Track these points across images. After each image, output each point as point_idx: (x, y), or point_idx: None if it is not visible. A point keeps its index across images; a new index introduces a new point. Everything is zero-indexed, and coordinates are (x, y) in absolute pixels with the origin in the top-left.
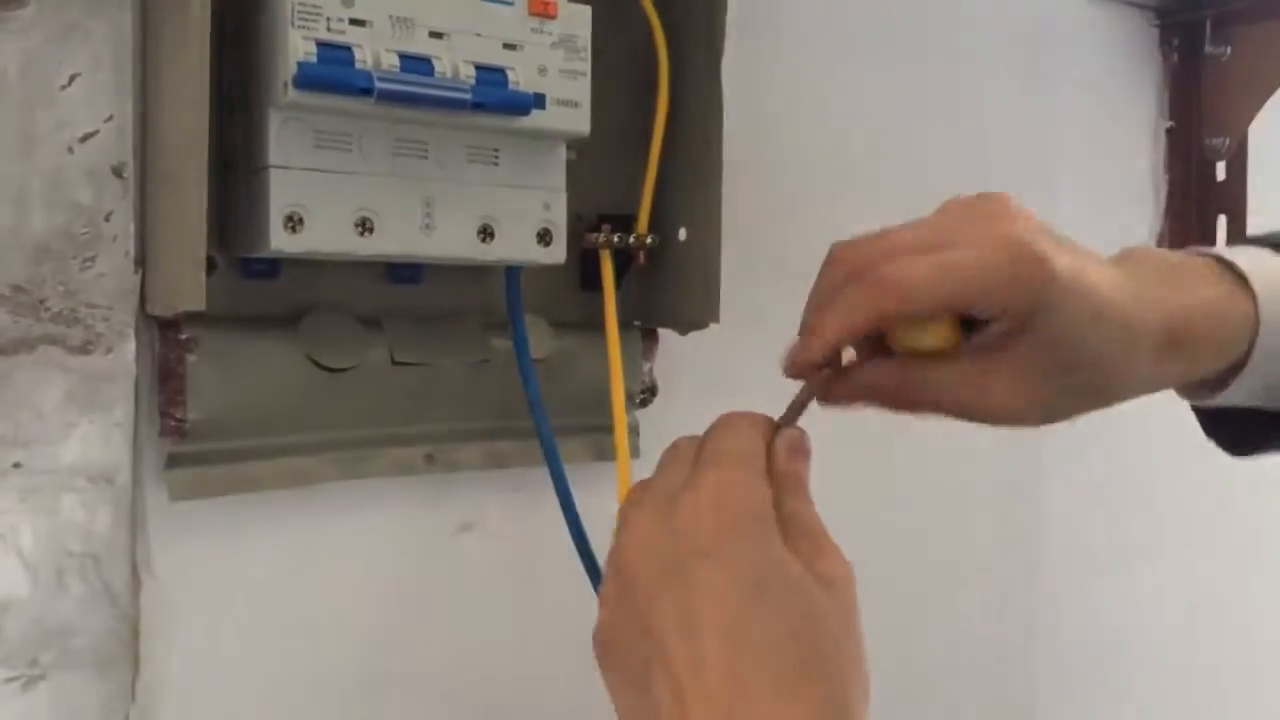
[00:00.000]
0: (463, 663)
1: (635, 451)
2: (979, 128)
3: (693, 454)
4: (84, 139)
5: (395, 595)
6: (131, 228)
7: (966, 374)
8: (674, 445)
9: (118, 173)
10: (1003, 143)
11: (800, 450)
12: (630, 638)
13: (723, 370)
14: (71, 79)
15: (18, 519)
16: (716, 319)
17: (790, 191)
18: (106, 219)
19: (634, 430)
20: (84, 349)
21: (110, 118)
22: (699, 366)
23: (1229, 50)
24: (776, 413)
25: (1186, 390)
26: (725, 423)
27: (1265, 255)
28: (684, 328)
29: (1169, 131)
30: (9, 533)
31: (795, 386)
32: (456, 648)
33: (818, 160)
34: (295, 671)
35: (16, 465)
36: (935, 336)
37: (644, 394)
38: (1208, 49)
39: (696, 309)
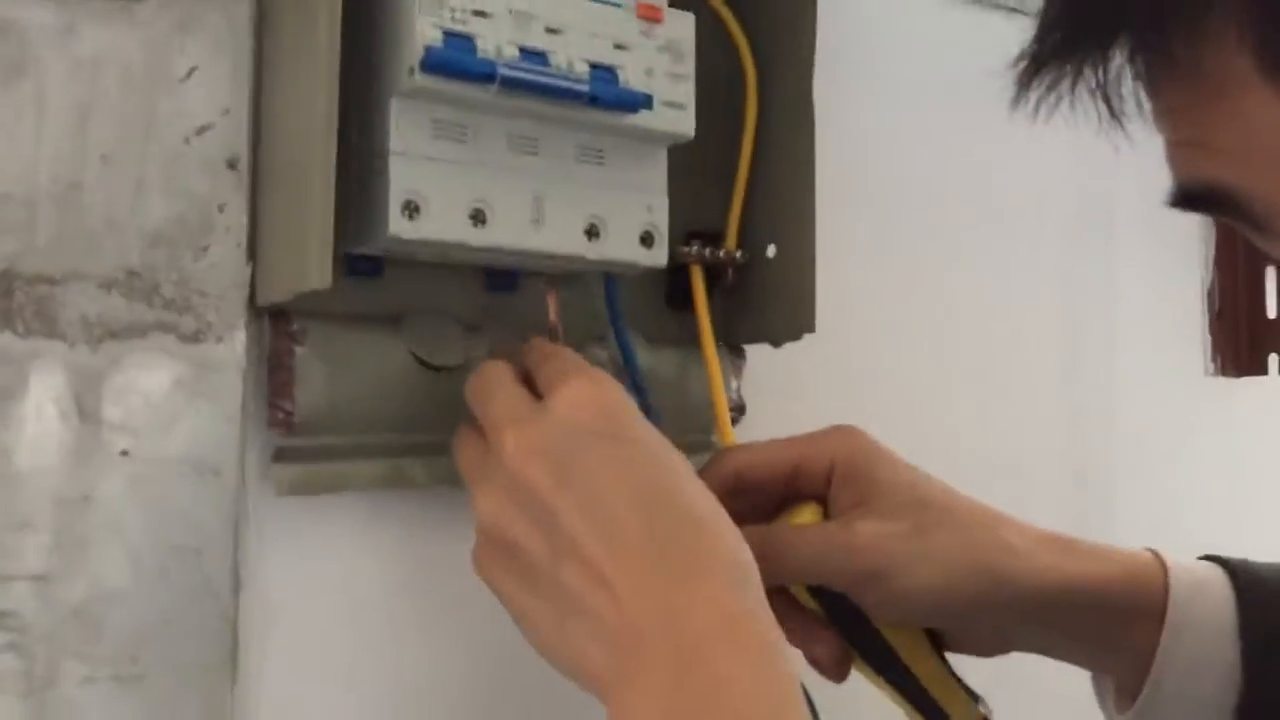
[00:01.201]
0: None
1: None
2: (1041, 175)
3: (517, 382)
4: (200, 131)
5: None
6: (244, 220)
7: (830, 529)
8: (484, 382)
9: (232, 165)
10: (1063, 196)
11: None
12: (528, 538)
13: (804, 389)
14: (190, 71)
15: (124, 507)
16: (812, 329)
17: (872, 212)
18: (220, 210)
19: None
20: (195, 338)
21: (227, 111)
22: (781, 385)
23: None
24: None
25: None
26: (546, 352)
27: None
28: (777, 340)
29: None
30: (115, 522)
31: (876, 402)
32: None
33: (896, 184)
34: (396, 684)
35: (124, 453)
36: (805, 516)
37: (733, 412)
38: None
39: (789, 321)
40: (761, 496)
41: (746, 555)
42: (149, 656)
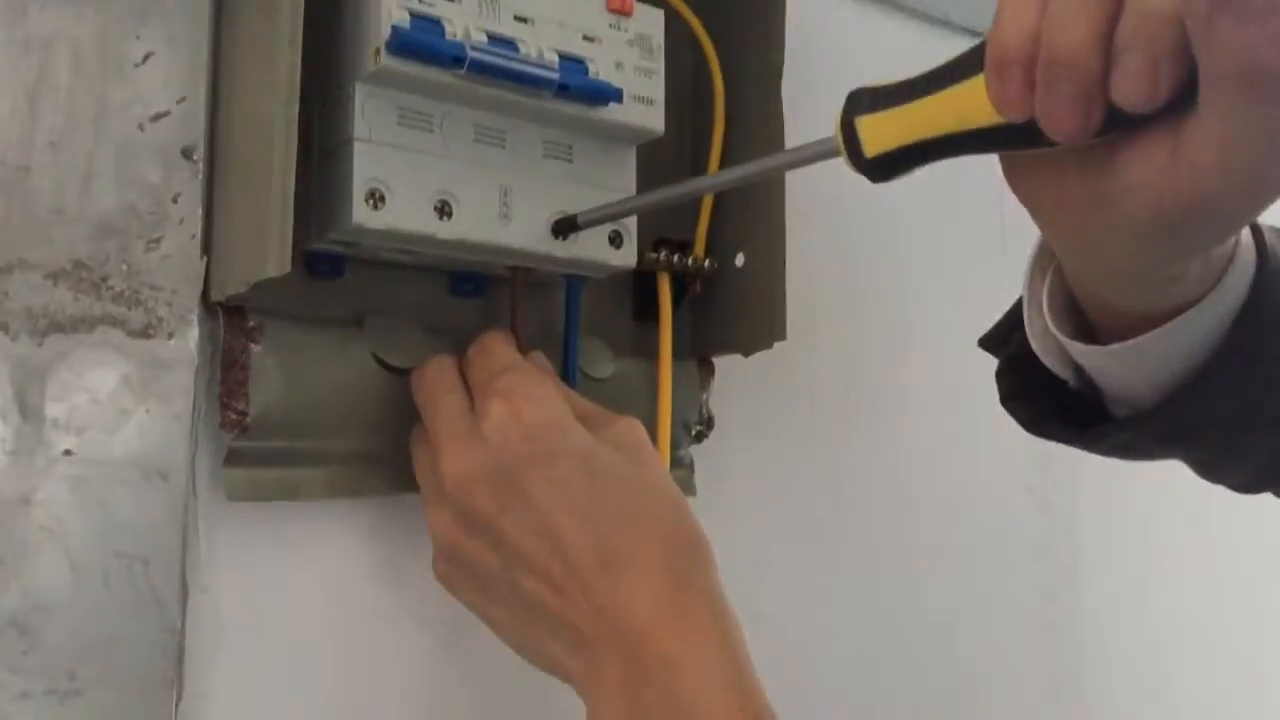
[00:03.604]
0: (518, 693)
1: (691, 489)
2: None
3: (458, 386)
4: (155, 118)
5: (453, 628)
6: (199, 211)
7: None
8: (427, 385)
9: (187, 155)
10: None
11: (545, 362)
12: (481, 555)
13: (776, 403)
14: (146, 57)
15: (66, 513)
16: (783, 337)
17: (838, 225)
18: (174, 200)
19: (688, 466)
20: (145, 333)
21: (183, 99)
22: (752, 400)
23: None
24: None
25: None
26: (481, 349)
27: None
28: (748, 349)
29: None
30: (56, 527)
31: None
32: (510, 677)
33: (861, 201)
34: (350, 699)
35: (67, 453)
36: None
37: (700, 427)
38: None
39: (759, 330)
40: None
41: (690, 534)
42: (88, 670)
